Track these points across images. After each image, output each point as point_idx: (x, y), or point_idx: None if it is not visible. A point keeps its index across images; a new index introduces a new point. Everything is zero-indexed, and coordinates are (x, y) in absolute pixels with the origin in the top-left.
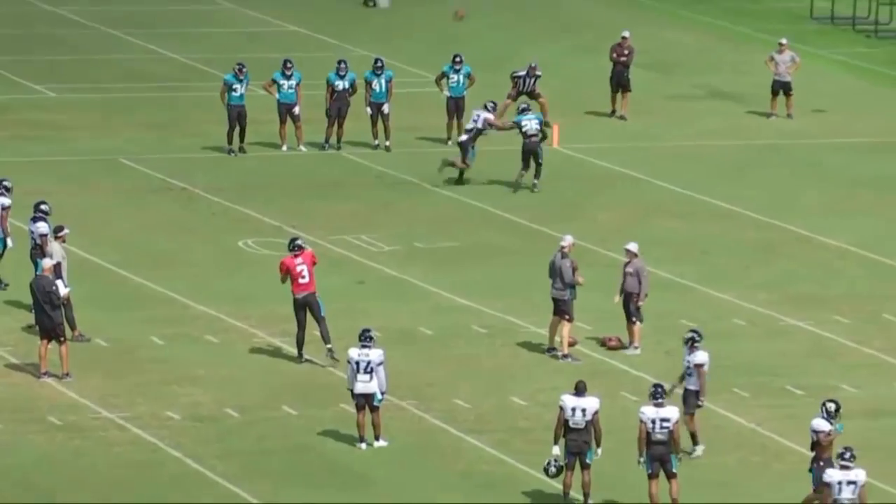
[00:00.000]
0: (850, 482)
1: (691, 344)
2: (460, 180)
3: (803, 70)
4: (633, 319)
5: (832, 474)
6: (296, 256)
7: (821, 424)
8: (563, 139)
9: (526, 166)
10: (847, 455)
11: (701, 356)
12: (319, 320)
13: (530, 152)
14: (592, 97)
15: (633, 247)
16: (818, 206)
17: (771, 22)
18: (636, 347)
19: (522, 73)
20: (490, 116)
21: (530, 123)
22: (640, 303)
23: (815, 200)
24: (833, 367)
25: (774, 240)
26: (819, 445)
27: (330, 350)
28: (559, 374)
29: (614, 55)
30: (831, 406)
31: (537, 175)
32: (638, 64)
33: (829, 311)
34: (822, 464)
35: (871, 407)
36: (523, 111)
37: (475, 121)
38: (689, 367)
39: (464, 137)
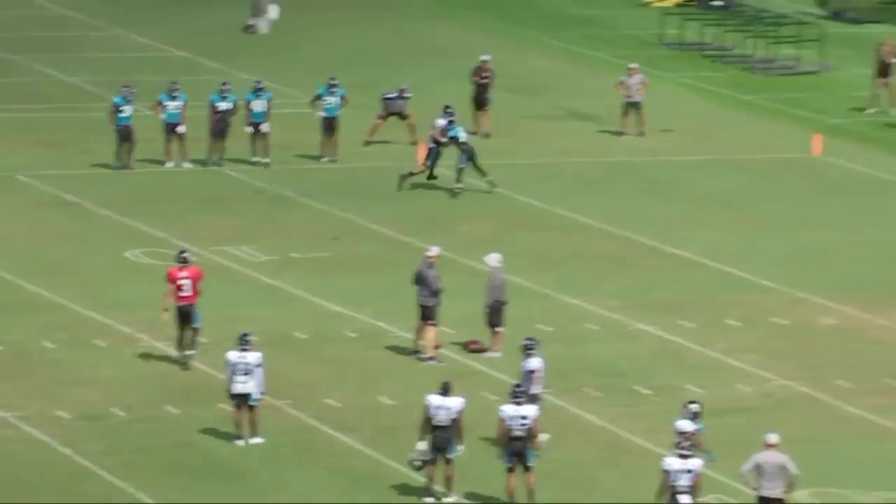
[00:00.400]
0: (687, 470)
1: (526, 351)
2: (431, 176)
3: (654, 92)
4: (496, 325)
5: (670, 462)
6: (181, 269)
7: (685, 425)
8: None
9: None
10: (683, 444)
11: (534, 363)
12: (193, 330)
13: (470, 158)
14: (457, 117)
15: (494, 258)
16: (667, 219)
17: (624, 48)
18: (497, 351)
19: (393, 94)
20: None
21: (461, 133)
22: (486, 307)
23: (664, 214)
24: (679, 369)
25: (626, 251)
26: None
27: (187, 356)
28: (424, 375)
29: (475, 77)
30: (695, 407)
31: (484, 174)
32: (501, 86)
33: (676, 317)
34: None
35: (715, 406)
36: (451, 123)
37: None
38: (523, 373)
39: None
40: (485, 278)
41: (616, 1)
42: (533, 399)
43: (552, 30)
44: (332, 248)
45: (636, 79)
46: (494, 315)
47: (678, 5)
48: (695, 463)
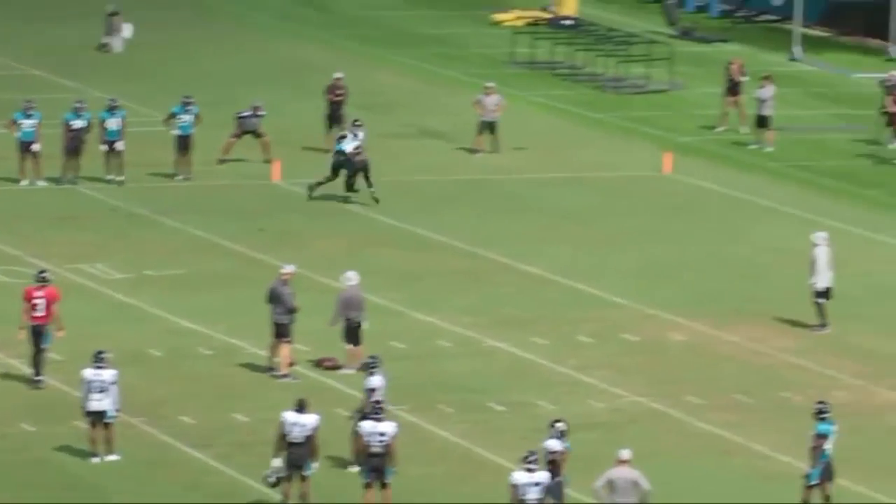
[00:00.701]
0: (535, 483)
1: (368, 368)
2: (352, 188)
3: (506, 110)
4: (353, 343)
5: (518, 477)
6: (38, 289)
7: (554, 445)
8: (284, 174)
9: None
10: (531, 458)
11: (374, 380)
12: (41, 350)
13: (360, 169)
14: (311, 135)
15: (350, 276)
16: (519, 235)
17: (476, 67)
18: (352, 368)
19: (247, 113)
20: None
21: (349, 145)
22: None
23: (516, 230)
24: (531, 385)
25: (479, 267)
26: (554, 464)
27: (38, 380)
28: (278, 392)
29: (329, 95)
30: (561, 426)
31: (370, 185)
32: (354, 104)
33: (529, 333)
34: (558, 479)
35: (567, 422)
36: (341, 139)
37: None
38: (364, 390)
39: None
40: (337, 295)
41: (467, 20)
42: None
43: (404, 48)
44: (186, 266)
45: (493, 98)
46: (351, 333)
47: (528, 24)
48: (542, 476)
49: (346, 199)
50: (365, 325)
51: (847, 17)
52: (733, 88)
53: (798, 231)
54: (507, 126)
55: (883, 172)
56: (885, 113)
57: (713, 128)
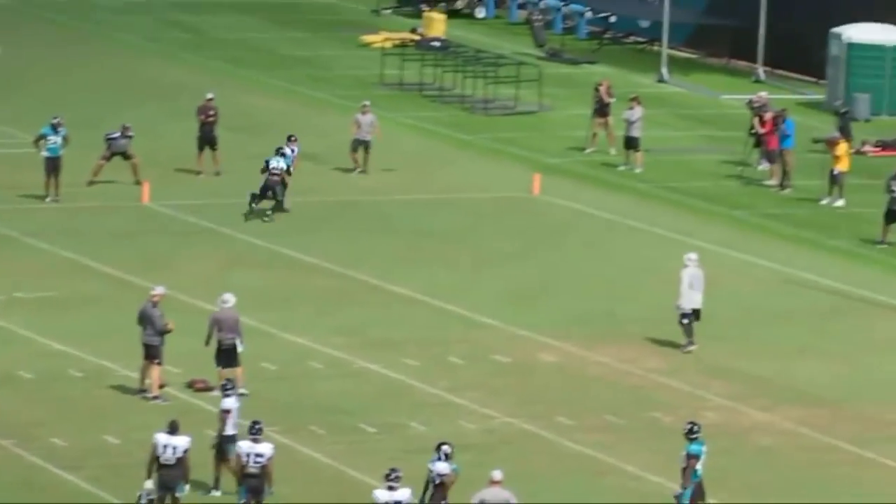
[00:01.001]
0: (396, 502)
1: (223, 391)
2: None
3: (377, 131)
4: (226, 364)
5: (380, 495)
6: None
7: (442, 468)
8: (154, 196)
9: (261, 198)
10: (393, 476)
11: (228, 402)
12: None
13: (270, 188)
14: (181, 156)
15: (227, 298)
16: (389, 256)
17: (344, 88)
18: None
19: (116, 134)
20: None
21: (277, 164)
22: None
23: (386, 251)
24: (403, 407)
25: (349, 288)
26: (442, 486)
27: None
28: (150, 414)
29: (201, 116)
30: (447, 448)
31: (275, 209)
32: (225, 126)
33: (400, 355)
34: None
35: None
36: (279, 151)
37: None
38: (218, 412)
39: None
40: (209, 316)
41: (335, 42)
42: (231, 440)
43: (274, 70)
44: (57, 288)
45: (368, 117)
46: (223, 355)
47: (397, 46)
48: (404, 494)
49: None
50: (241, 348)
51: (714, 39)
52: (602, 110)
53: (667, 252)
54: (376, 147)
55: (751, 193)
56: (754, 134)
57: (582, 149)
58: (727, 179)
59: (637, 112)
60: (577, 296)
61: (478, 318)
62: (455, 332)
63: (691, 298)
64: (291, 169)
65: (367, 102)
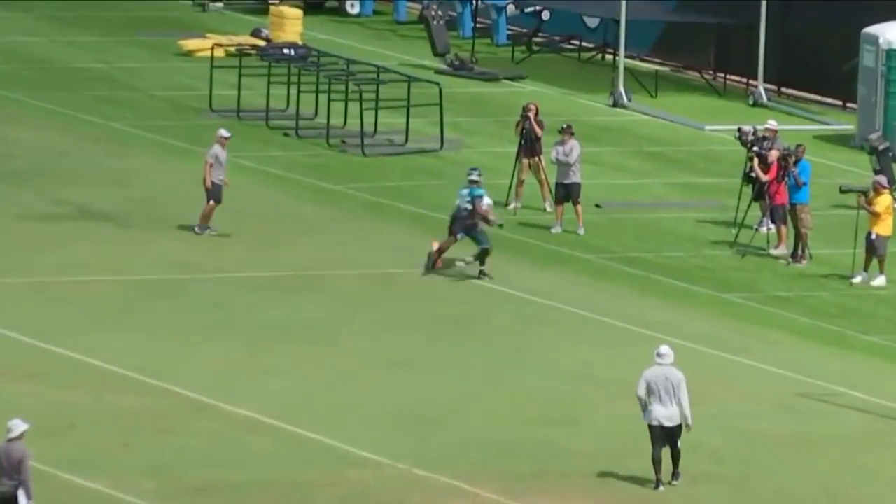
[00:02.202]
0: None
1: None
2: None
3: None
4: None
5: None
6: None
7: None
8: None
9: None
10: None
11: None
12: None
13: None
14: None
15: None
16: (220, 363)
17: (154, 116)
18: None
19: None
20: None
21: None
22: None
23: (216, 355)
24: None
25: (164, 408)
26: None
27: None
28: None
29: None
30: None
31: None
32: None
33: None
34: None
35: None
36: None
37: None
38: None
39: None
40: None
41: (142, 49)
42: None
43: (48, 90)
44: None
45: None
46: None
47: (232, 55)
48: None
49: None
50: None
51: (693, 45)
52: (531, 147)
53: (625, 352)
54: (198, 202)
55: (750, 268)
56: (752, 181)
57: (505, 205)
58: (714, 247)
59: (573, 149)
60: (497, 417)
61: (352, 451)
62: (319, 472)
63: (655, 412)
64: None
65: (226, 134)
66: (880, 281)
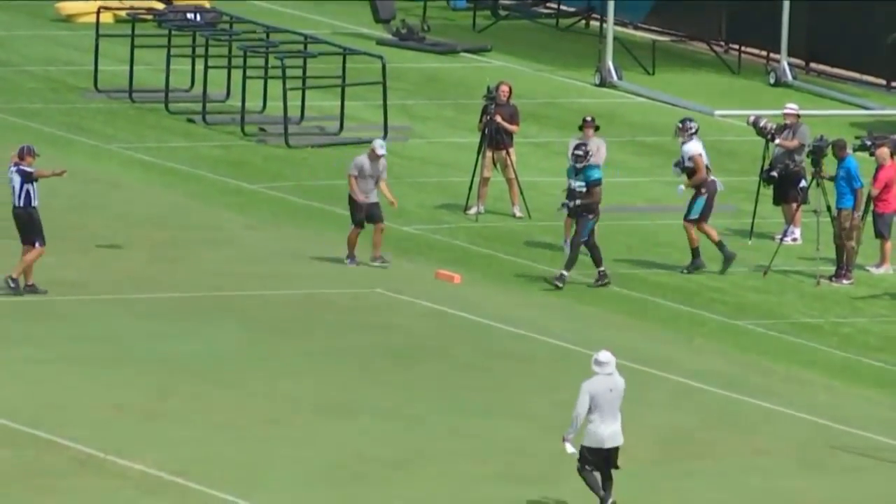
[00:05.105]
0: None
1: None
2: None
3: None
4: None
5: None
6: None
7: None
8: None
9: None
10: None
11: None
12: None
13: None
14: None
15: None
16: (111, 405)
17: (24, 98)
18: None
19: None
20: None
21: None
22: None
23: (107, 397)
24: None
25: (43, 463)
26: None
27: None
28: None
29: None
30: None
31: None
32: None
33: None
34: None
35: None
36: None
37: None
38: None
39: None
40: None
41: (11, 14)
42: None
43: None
44: None
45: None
46: None
47: (122, 21)
48: None
49: None
50: None
51: (698, 12)
52: (497, 139)
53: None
54: (87, 206)
55: (772, 288)
56: (771, 179)
57: (466, 209)
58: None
59: (599, 147)
60: (455, 475)
61: None
62: None
63: (598, 432)
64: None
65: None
66: None
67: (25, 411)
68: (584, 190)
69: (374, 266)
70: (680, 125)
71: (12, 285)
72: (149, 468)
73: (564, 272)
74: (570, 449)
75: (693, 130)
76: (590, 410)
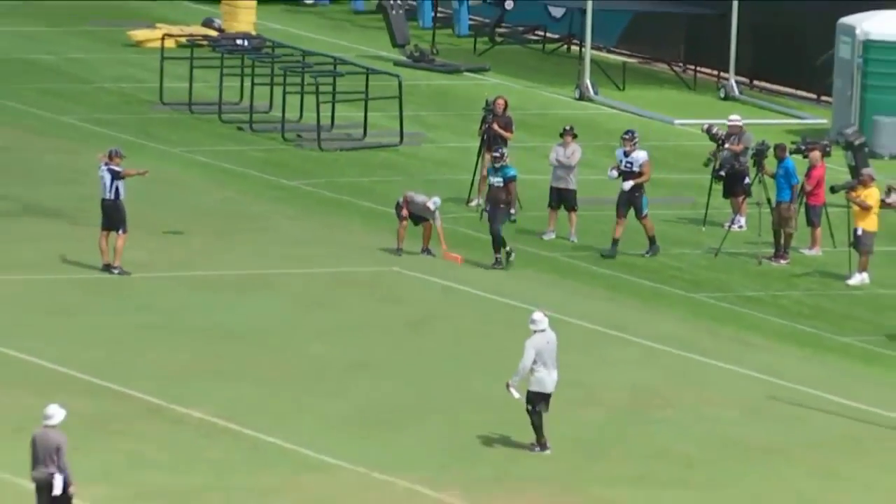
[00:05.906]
0: None
1: None
2: None
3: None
4: None
5: None
6: None
7: None
8: None
9: None
10: None
11: None
12: None
13: None
14: None
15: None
16: (170, 366)
17: (103, 109)
18: None
19: None
20: None
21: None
22: None
23: (166, 358)
24: None
25: (116, 412)
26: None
27: None
28: None
29: None
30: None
31: None
32: None
33: None
34: None
35: None
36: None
37: None
38: None
39: None
40: None
41: (89, 40)
42: None
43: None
44: None
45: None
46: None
47: (183, 46)
48: None
49: None
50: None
51: (662, 36)
52: (495, 143)
53: (587, 354)
54: (152, 201)
55: (721, 267)
56: (721, 177)
57: (468, 202)
58: (684, 245)
59: (575, 152)
60: (458, 421)
61: (309, 455)
62: (275, 477)
63: (543, 380)
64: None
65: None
66: (860, 279)
67: (103, 368)
68: (501, 185)
69: (416, 253)
70: (627, 136)
71: (122, 271)
72: (205, 416)
73: (498, 255)
74: (515, 394)
75: (637, 139)
76: (535, 362)
